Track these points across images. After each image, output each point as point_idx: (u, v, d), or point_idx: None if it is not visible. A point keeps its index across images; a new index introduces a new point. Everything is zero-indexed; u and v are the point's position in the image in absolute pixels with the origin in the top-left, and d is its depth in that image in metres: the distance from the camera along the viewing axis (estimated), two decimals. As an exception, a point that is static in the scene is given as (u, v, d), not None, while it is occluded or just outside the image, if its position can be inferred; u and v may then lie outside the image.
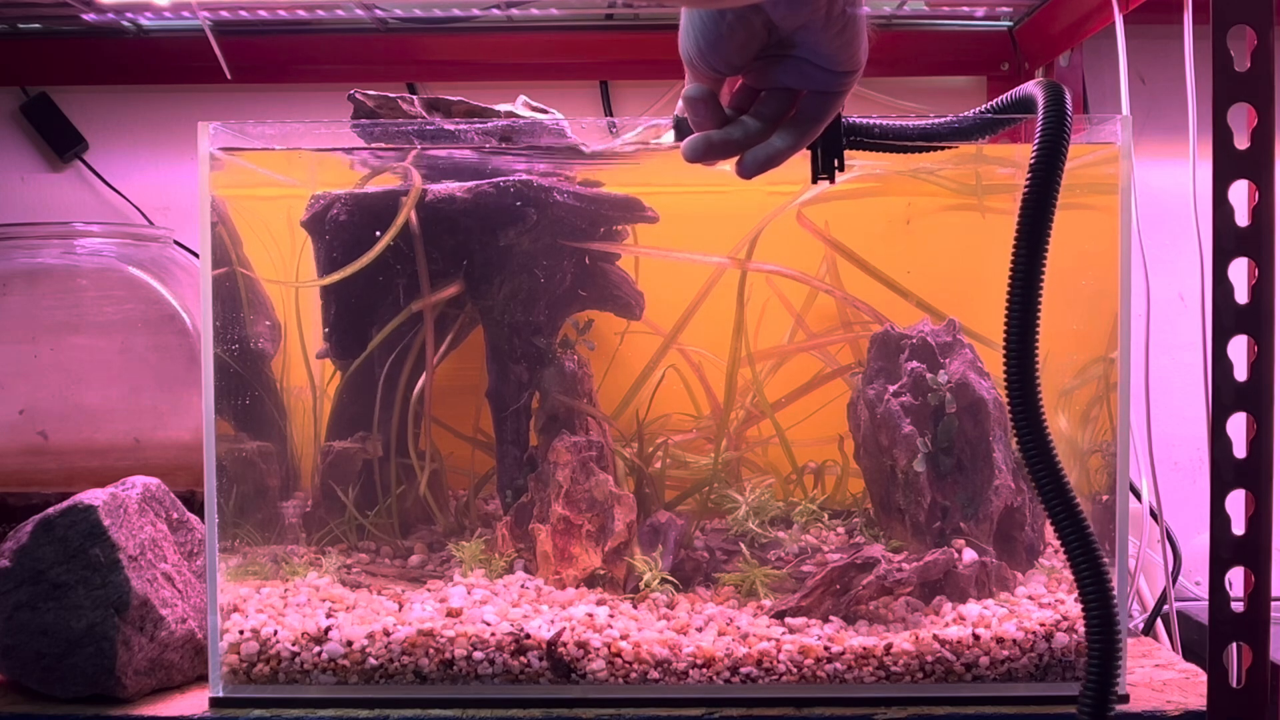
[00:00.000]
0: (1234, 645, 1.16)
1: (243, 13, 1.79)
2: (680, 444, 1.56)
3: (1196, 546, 1.58)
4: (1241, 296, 1.15)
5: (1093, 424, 1.39)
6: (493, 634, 1.22)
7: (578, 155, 1.37)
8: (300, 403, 1.49)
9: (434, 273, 1.43)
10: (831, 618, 1.26)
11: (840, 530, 1.50)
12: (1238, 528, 1.16)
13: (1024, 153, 1.43)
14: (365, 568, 1.41)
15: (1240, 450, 1.16)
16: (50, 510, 1.23)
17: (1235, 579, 1.16)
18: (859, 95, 1.87)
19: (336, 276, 1.41)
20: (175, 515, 1.32)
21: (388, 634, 1.23)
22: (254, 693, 1.23)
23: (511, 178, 1.38)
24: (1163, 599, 1.56)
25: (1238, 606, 1.16)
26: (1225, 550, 1.15)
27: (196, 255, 1.65)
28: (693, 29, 0.96)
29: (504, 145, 1.32)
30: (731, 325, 1.50)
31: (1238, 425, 1.16)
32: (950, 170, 1.50)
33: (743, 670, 1.21)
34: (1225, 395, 1.15)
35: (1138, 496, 1.56)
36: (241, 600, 1.28)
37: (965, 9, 1.82)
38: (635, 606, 1.30)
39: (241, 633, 1.24)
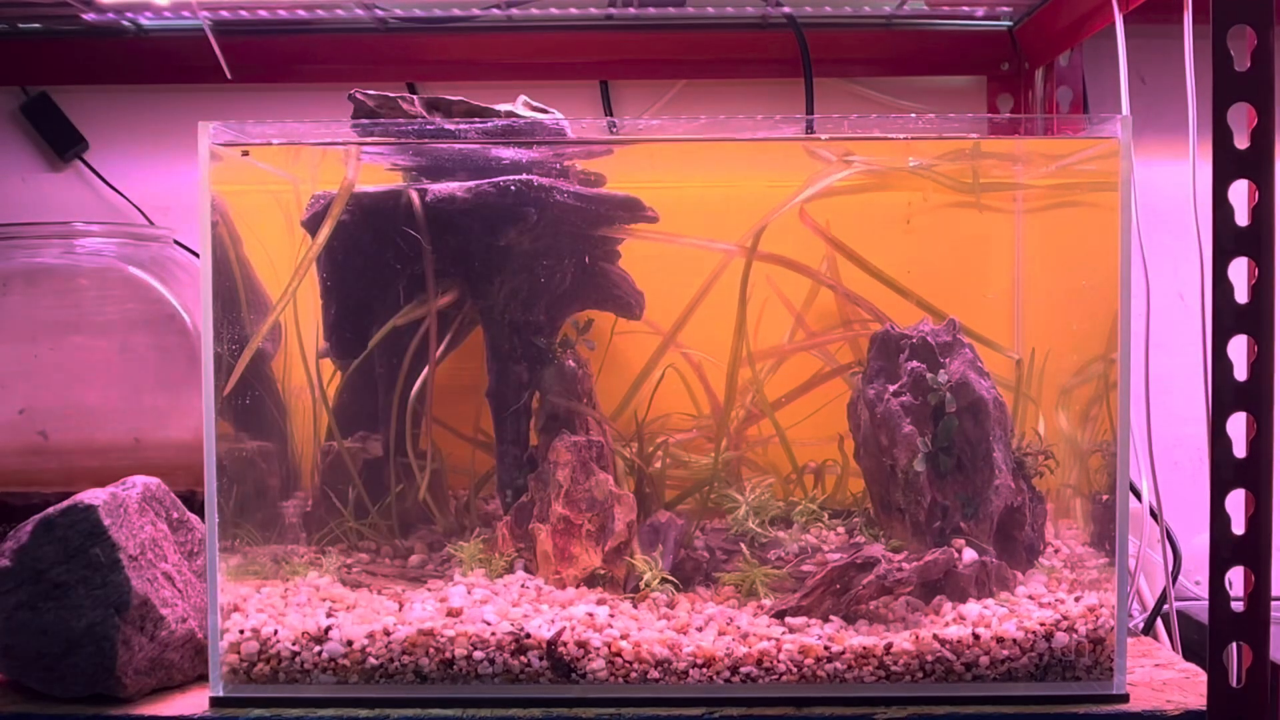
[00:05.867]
0: (1234, 645, 1.16)
1: (243, 13, 1.79)
2: (680, 443, 1.56)
3: (1196, 546, 1.58)
4: (1241, 296, 1.15)
5: (1093, 423, 1.40)
6: (493, 633, 1.22)
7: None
8: (300, 403, 1.49)
9: (434, 272, 1.43)
10: (831, 617, 1.26)
11: (840, 530, 1.50)
12: (1238, 528, 1.16)
13: (1025, 148, 1.43)
14: (365, 567, 1.41)
15: (1240, 450, 1.16)
16: (50, 510, 1.23)
17: (1235, 579, 1.16)
18: (859, 95, 1.88)
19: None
20: (175, 515, 1.32)
21: (388, 633, 1.23)
22: (254, 692, 1.23)
23: (512, 177, 1.38)
24: (1163, 599, 1.56)
25: (1238, 606, 1.16)
26: (1225, 550, 1.16)
27: (196, 255, 1.65)
28: None
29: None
30: (730, 324, 1.51)
31: (1238, 425, 1.16)
32: (946, 166, 1.50)
33: (743, 670, 1.21)
34: (1225, 395, 1.15)
35: (1138, 496, 1.56)
36: (242, 600, 1.28)
37: (965, 9, 1.82)
38: (635, 606, 1.30)
39: (242, 632, 1.24)
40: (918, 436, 1.35)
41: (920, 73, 1.88)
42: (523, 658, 1.22)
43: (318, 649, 1.23)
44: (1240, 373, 1.16)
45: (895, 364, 1.41)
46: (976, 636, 1.22)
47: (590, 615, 1.24)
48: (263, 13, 1.79)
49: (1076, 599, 1.27)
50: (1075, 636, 1.23)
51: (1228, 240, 1.15)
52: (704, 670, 1.22)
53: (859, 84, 1.88)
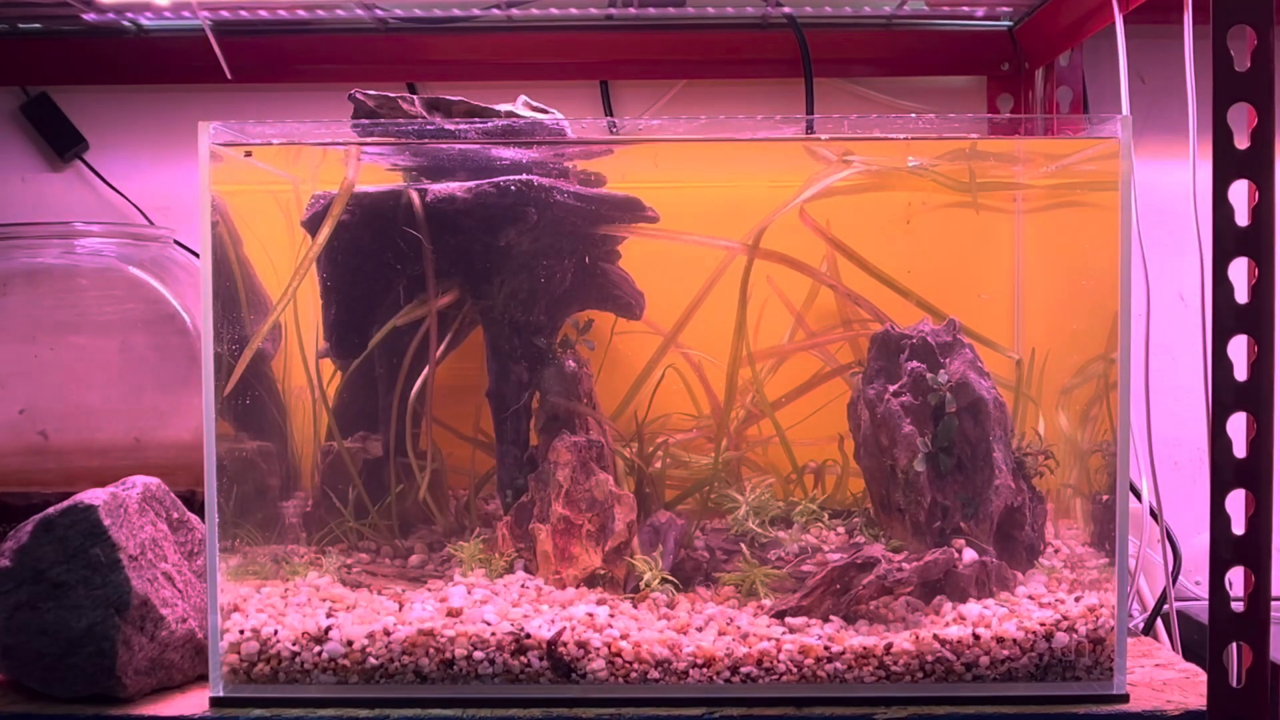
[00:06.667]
0: (1234, 645, 1.16)
1: (243, 13, 1.79)
2: (680, 443, 1.56)
3: (1196, 546, 1.58)
4: (1241, 296, 1.15)
5: (1093, 423, 1.40)
6: (493, 634, 1.22)
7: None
8: (300, 403, 1.49)
9: (434, 272, 1.43)
10: (832, 617, 1.26)
11: (840, 530, 1.50)
12: (1238, 528, 1.16)
13: (1025, 148, 1.43)
14: (365, 567, 1.41)
15: (1240, 450, 1.16)
16: (50, 510, 1.23)
17: (1235, 579, 1.16)
18: (859, 95, 1.88)
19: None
20: (175, 515, 1.32)
21: (388, 634, 1.23)
22: (254, 692, 1.23)
23: (512, 177, 1.38)
24: (1163, 599, 1.56)
25: (1238, 606, 1.16)
26: (1225, 550, 1.16)
27: (196, 255, 1.65)
28: None
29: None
30: (730, 325, 1.51)
31: (1238, 425, 1.16)
32: (946, 166, 1.50)
33: (743, 670, 1.21)
34: (1225, 395, 1.15)
35: (1138, 496, 1.56)
36: (242, 600, 1.28)
37: (965, 9, 1.82)
38: (635, 606, 1.30)
39: (242, 632, 1.24)
40: (918, 436, 1.35)
41: (920, 73, 1.88)
42: (523, 658, 1.22)
43: (318, 649, 1.23)
44: (1240, 373, 1.16)
45: (895, 364, 1.41)
46: (976, 636, 1.22)
47: (590, 615, 1.24)
48: (263, 13, 1.79)
49: (1076, 599, 1.27)
50: (1075, 636, 1.23)
51: (1228, 240, 1.15)
52: (704, 670, 1.22)
53: (859, 84, 1.88)
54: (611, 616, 1.26)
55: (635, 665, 1.22)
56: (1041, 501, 1.41)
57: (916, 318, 1.44)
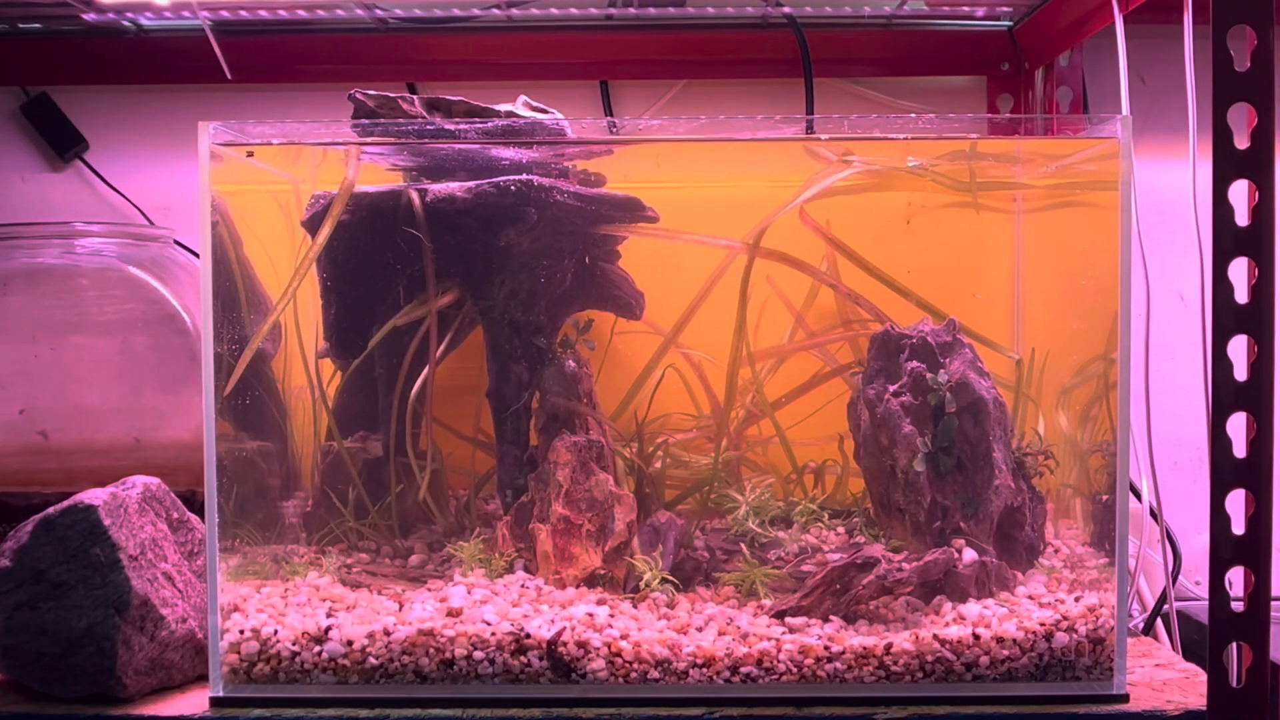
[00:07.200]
0: (1234, 645, 1.16)
1: (243, 13, 1.79)
2: (680, 443, 1.56)
3: (1196, 546, 1.58)
4: (1241, 296, 1.15)
5: (1093, 423, 1.40)
6: (493, 634, 1.22)
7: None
8: (300, 403, 1.49)
9: (434, 272, 1.43)
10: (831, 617, 1.26)
11: (840, 530, 1.50)
12: (1238, 528, 1.16)
13: (1025, 148, 1.43)
14: (365, 567, 1.41)
15: (1240, 450, 1.16)
16: (50, 510, 1.23)
17: (1235, 579, 1.16)
18: (859, 95, 1.88)
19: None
20: (175, 515, 1.32)
21: (388, 634, 1.23)
22: (254, 692, 1.23)
23: (512, 177, 1.38)
24: (1163, 599, 1.56)
25: (1238, 606, 1.16)
26: (1225, 550, 1.16)
27: (196, 255, 1.65)
28: None
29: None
30: (729, 325, 1.51)
31: (1238, 425, 1.16)
32: (946, 166, 1.50)
33: (743, 670, 1.21)
34: (1225, 395, 1.15)
35: (1138, 496, 1.56)
36: (242, 600, 1.28)
37: (965, 9, 1.82)
38: (635, 606, 1.30)
39: (242, 632, 1.24)
40: (918, 436, 1.35)
41: (920, 73, 1.88)
42: (523, 658, 1.22)
43: (318, 649, 1.23)
44: (1240, 373, 1.16)
45: (895, 364, 1.41)
46: (976, 636, 1.22)
47: (590, 615, 1.24)
48: (263, 13, 1.79)
49: (1076, 599, 1.27)
50: (1075, 636, 1.23)
51: (1228, 240, 1.15)
52: (704, 670, 1.22)
53: (859, 84, 1.88)
54: (611, 616, 1.26)
55: (635, 665, 1.22)
56: (1041, 501, 1.41)
57: (916, 318, 1.44)
